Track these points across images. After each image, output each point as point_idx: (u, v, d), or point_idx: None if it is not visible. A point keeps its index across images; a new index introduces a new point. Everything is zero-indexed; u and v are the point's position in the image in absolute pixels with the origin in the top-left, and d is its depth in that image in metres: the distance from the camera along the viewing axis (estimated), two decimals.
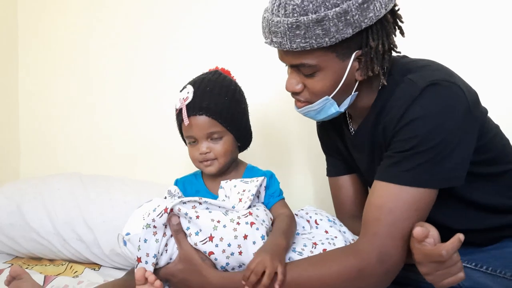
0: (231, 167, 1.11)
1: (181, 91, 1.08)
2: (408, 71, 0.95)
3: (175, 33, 1.66)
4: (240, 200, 0.99)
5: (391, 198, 0.89)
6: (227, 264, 0.91)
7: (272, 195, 1.06)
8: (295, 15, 0.86)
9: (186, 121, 1.02)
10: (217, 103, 1.04)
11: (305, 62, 0.92)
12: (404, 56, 1.03)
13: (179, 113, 1.05)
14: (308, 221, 1.08)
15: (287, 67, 1.00)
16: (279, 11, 0.89)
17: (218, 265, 0.92)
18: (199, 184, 1.11)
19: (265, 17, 0.93)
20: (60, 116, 1.82)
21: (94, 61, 1.77)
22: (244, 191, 1.01)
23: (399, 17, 0.96)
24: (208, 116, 1.03)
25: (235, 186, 1.03)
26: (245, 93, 1.13)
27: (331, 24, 0.85)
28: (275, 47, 0.93)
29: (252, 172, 1.11)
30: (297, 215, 1.09)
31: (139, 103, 1.72)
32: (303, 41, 0.87)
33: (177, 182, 1.13)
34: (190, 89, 1.05)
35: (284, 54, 0.94)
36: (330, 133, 1.20)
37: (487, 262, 0.99)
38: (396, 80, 0.95)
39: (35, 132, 1.86)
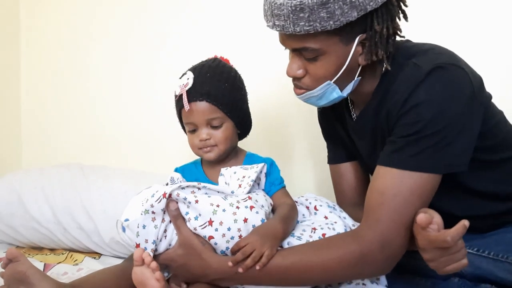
0: (231, 155, 1.10)
1: (180, 77, 1.06)
2: (412, 55, 0.94)
3: (171, 24, 1.65)
4: (240, 186, 0.99)
5: (394, 184, 0.88)
6: (227, 248, 0.90)
7: (273, 183, 1.05)
8: None
9: (186, 106, 1.01)
10: (218, 89, 1.03)
11: (308, 46, 0.90)
12: (407, 41, 1.02)
13: (179, 99, 1.04)
14: (307, 207, 1.08)
15: (288, 52, 0.98)
16: None
17: (218, 249, 0.91)
18: (199, 173, 1.10)
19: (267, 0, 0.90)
20: (62, 108, 1.82)
21: (94, 54, 1.76)
22: (243, 177, 1.00)
23: (403, 1, 0.94)
24: (208, 102, 1.02)
25: (235, 173, 1.02)
26: (245, 82, 1.12)
27: (336, 7, 0.83)
28: (278, 30, 0.91)
29: (252, 159, 1.10)
30: (296, 202, 1.09)
31: (139, 95, 1.71)
32: (307, 24, 0.85)
33: (176, 171, 1.12)
34: (190, 75, 1.04)
35: (286, 38, 0.92)
36: (331, 119, 1.19)
37: (489, 247, 0.99)
38: (399, 64, 0.94)
39: (37, 123, 1.86)
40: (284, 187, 1.07)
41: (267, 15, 0.91)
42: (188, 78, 1.03)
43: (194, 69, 1.06)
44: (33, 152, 1.86)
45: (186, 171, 1.11)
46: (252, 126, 1.15)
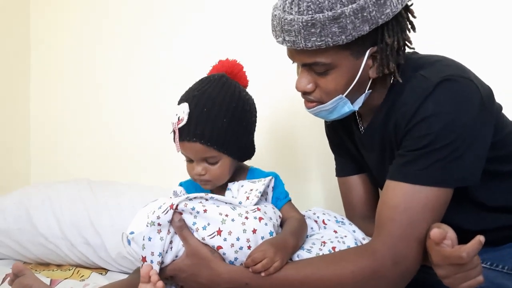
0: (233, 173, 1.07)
1: (179, 103, 0.99)
2: (419, 67, 0.93)
3: (183, 37, 1.66)
4: (247, 198, 0.97)
5: (406, 198, 0.87)
6: (236, 259, 0.89)
7: (278, 198, 1.04)
8: (310, 12, 0.83)
9: (177, 148, 0.96)
10: (213, 127, 0.95)
11: (318, 61, 0.89)
12: (414, 52, 1.02)
13: (173, 133, 0.99)
14: (315, 221, 1.06)
15: (296, 65, 0.98)
16: (292, 8, 0.85)
17: (227, 260, 0.89)
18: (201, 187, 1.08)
19: (275, 15, 0.89)
20: (70, 124, 1.84)
21: (102, 70, 1.79)
22: (251, 190, 0.99)
23: (412, 13, 0.94)
24: (202, 144, 0.95)
25: (242, 186, 1.01)
26: (254, 94, 1.07)
27: (348, 21, 0.83)
28: (288, 46, 0.89)
29: (254, 174, 1.08)
30: (304, 215, 1.07)
31: (147, 110, 1.72)
32: (318, 39, 0.84)
33: (181, 185, 1.11)
34: (186, 108, 0.95)
35: (296, 53, 0.91)
36: (339, 132, 1.18)
37: (503, 261, 0.97)
38: (407, 77, 0.93)
39: (46, 139, 1.87)
40: (290, 200, 1.06)
41: (276, 31, 0.90)
42: (183, 112, 0.95)
43: (191, 99, 0.97)
44: (42, 167, 1.87)
45: (191, 186, 1.09)
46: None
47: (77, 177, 1.65)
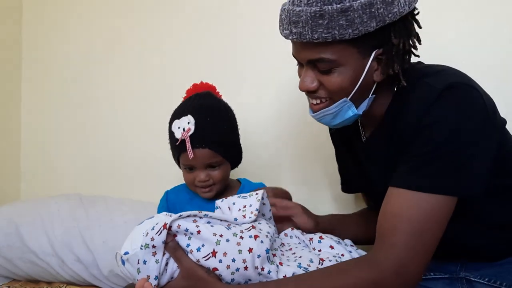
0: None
1: (178, 118, 1.08)
2: (424, 75, 0.92)
3: (181, 49, 1.64)
4: (244, 216, 0.95)
5: (409, 206, 0.85)
6: (233, 280, 0.87)
7: None
8: (319, 4, 0.84)
9: (190, 154, 1.04)
10: (219, 135, 1.07)
11: (324, 57, 0.88)
12: (419, 62, 1.01)
13: (180, 143, 1.06)
14: (310, 239, 1.05)
15: (298, 68, 0.96)
16: (301, 1, 0.86)
17: (223, 281, 0.87)
18: (192, 192, 1.14)
19: (285, 8, 0.89)
20: (61, 137, 1.81)
21: (94, 85, 1.76)
22: (244, 207, 0.97)
23: (418, 22, 0.94)
24: (210, 149, 1.06)
25: (234, 204, 0.99)
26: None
27: (356, 15, 0.83)
28: (294, 38, 0.88)
29: (245, 187, 1.15)
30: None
31: (140, 125, 1.70)
32: (325, 31, 0.84)
33: (167, 193, 1.18)
34: (191, 119, 1.06)
35: (301, 48, 0.90)
36: (339, 144, 1.17)
37: (501, 277, 0.95)
38: (412, 84, 0.92)
39: (36, 153, 1.85)
40: None
41: (283, 24, 0.90)
42: (189, 122, 1.06)
43: (193, 112, 1.07)
44: (32, 181, 1.84)
45: (180, 191, 1.17)
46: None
47: (69, 192, 1.62)
